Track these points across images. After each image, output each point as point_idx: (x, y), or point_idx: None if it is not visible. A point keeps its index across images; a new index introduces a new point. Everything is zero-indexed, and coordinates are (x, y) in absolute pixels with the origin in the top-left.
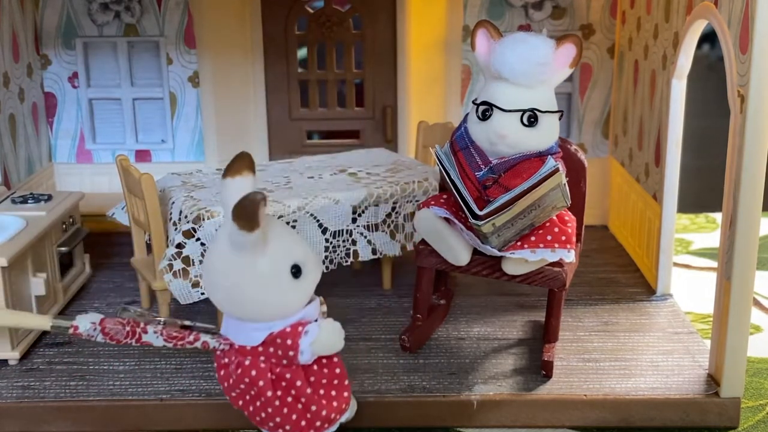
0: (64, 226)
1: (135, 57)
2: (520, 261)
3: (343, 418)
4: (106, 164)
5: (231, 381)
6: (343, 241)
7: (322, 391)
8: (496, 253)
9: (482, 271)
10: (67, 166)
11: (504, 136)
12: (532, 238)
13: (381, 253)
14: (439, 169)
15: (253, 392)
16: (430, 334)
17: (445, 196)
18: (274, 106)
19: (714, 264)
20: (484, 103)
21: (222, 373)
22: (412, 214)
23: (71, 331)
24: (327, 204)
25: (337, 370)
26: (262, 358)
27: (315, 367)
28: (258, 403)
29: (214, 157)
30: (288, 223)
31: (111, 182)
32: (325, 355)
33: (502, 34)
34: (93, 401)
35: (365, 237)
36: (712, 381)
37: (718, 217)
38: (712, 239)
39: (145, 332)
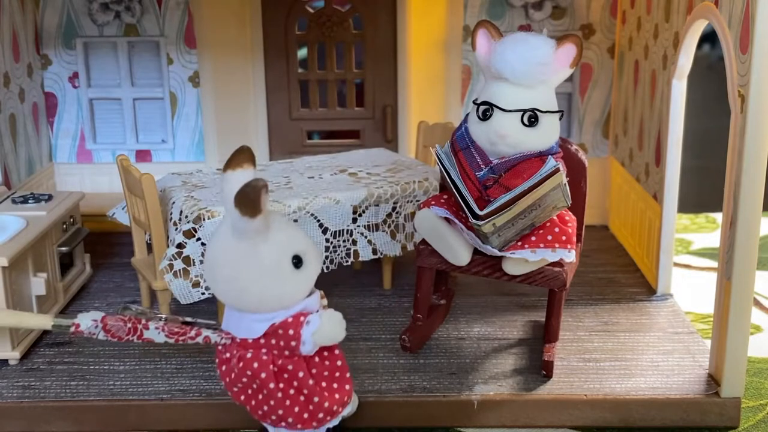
0: (64, 226)
1: (135, 57)
2: (521, 261)
3: (346, 411)
4: (107, 164)
5: (233, 375)
6: (344, 241)
7: (324, 383)
8: (496, 253)
9: (482, 271)
10: (67, 166)
11: (504, 136)
12: (533, 238)
13: (381, 253)
14: (440, 168)
15: (255, 385)
16: (430, 334)
17: (445, 196)
18: (274, 106)
19: (714, 264)
20: (484, 103)
21: (224, 368)
22: (413, 214)
23: (73, 329)
24: (327, 204)
25: (339, 362)
26: (264, 350)
27: (316, 359)
28: (260, 397)
29: (215, 157)
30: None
31: (111, 182)
32: (327, 347)
33: (502, 34)
34: (93, 401)
35: (366, 237)
36: (713, 381)
37: (718, 217)
38: (713, 239)
39: (147, 329)
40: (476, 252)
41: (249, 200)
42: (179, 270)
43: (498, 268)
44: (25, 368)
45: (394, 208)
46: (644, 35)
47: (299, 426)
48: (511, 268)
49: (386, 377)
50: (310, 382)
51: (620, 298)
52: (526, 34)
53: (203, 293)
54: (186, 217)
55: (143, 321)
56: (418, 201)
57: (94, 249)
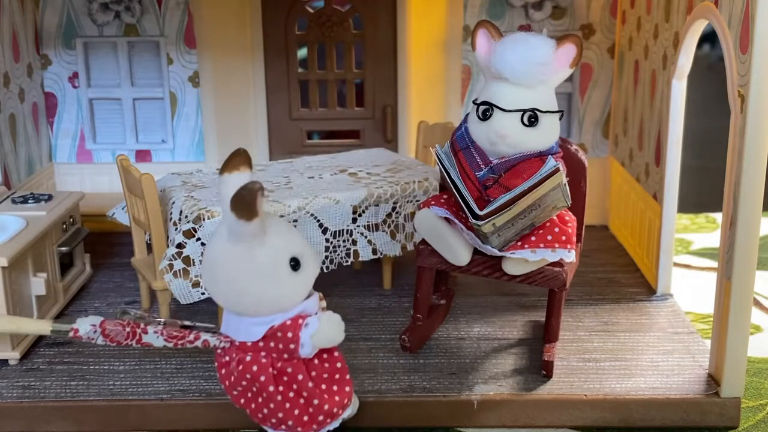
0: (64, 226)
1: (135, 57)
2: (521, 261)
3: (346, 414)
4: (107, 164)
5: (232, 379)
6: (344, 241)
7: (323, 386)
8: (496, 253)
9: (482, 271)
10: (67, 166)
11: (504, 136)
12: (533, 238)
13: (381, 253)
14: (440, 168)
15: (254, 389)
16: (430, 334)
17: (445, 196)
18: (274, 106)
19: (714, 264)
20: (484, 103)
21: (223, 372)
22: (413, 214)
23: (71, 334)
24: (327, 204)
25: (338, 365)
26: (263, 353)
27: (316, 361)
28: (260, 400)
29: (214, 157)
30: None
31: (111, 182)
32: (326, 349)
33: (502, 34)
34: (93, 401)
35: (365, 237)
36: (713, 381)
37: (718, 217)
38: (713, 239)
39: (146, 333)
40: (476, 252)
41: (245, 203)
42: (179, 270)
43: (498, 268)
44: (25, 368)
45: (394, 208)
46: (644, 35)
47: (299, 429)
48: (511, 268)
49: (386, 377)
50: (310, 384)
51: (620, 298)
52: (526, 34)
53: (203, 293)
54: (186, 217)
55: (142, 325)
56: (418, 201)
57: (94, 249)
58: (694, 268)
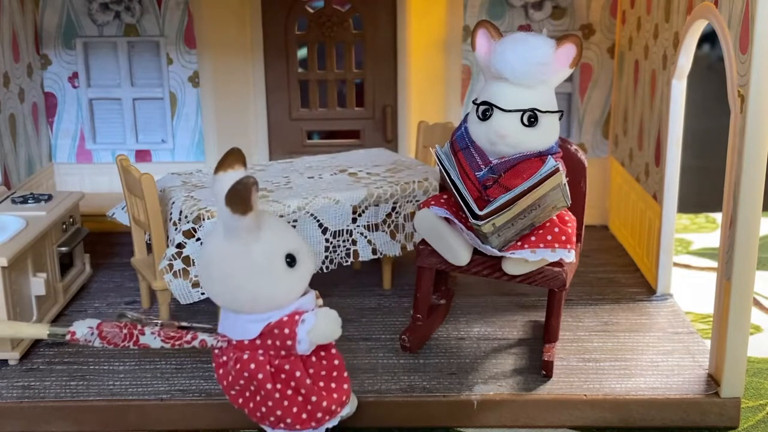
0: (64, 226)
1: (135, 57)
2: (521, 261)
3: (344, 412)
4: (106, 164)
5: (230, 378)
6: (344, 241)
7: (321, 383)
8: (496, 253)
9: (482, 271)
10: (67, 166)
11: (504, 136)
12: (533, 238)
13: (381, 253)
14: (440, 169)
15: (252, 387)
16: (430, 334)
17: (445, 196)
18: (274, 106)
19: (714, 264)
20: (484, 103)
21: (221, 371)
22: (413, 214)
23: (68, 337)
24: (327, 204)
25: (336, 362)
26: (260, 351)
27: (313, 358)
28: (258, 398)
29: (214, 157)
30: (288, 223)
31: (111, 182)
32: (323, 347)
33: (502, 34)
34: (93, 401)
35: (365, 237)
36: (712, 381)
37: (718, 217)
38: (712, 239)
39: (143, 334)
40: (476, 252)
41: (240, 197)
42: (179, 270)
43: (498, 268)
44: (25, 368)
45: (393, 208)
46: (644, 35)
47: (298, 426)
48: (510, 268)
49: (386, 377)
50: (308, 381)
51: (620, 298)
52: (526, 34)
53: (203, 293)
54: (186, 217)
55: (139, 327)
56: (417, 201)
57: (94, 249)
58: (694, 268)
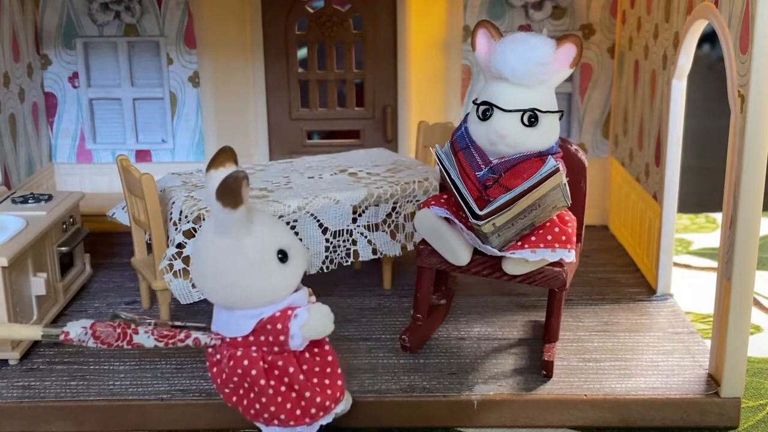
0: (64, 226)
1: (135, 57)
2: (521, 261)
3: (339, 409)
4: (107, 164)
5: (224, 376)
6: (344, 241)
7: (315, 379)
8: (496, 253)
9: (482, 271)
10: (67, 166)
11: (504, 136)
12: (533, 238)
13: (381, 253)
14: (440, 168)
15: (246, 384)
16: (430, 334)
17: (445, 196)
18: (274, 106)
19: (714, 264)
20: (484, 103)
21: (214, 370)
22: (413, 214)
23: (62, 337)
24: (327, 204)
25: (329, 358)
26: (253, 348)
27: (307, 355)
28: (252, 395)
29: None
30: (288, 223)
31: (111, 182)
32: (317, 343)
33: (502, 34)
34: (93, 401)
35: (365, 237)
36: (712, 381)
37: (718, 217)
38: (712, 239)
39: (136, 333)
40: (476, 252)
41: (230, 191)
42: (179, 270)
43: (498, 268)
44: (25, 368)
45: (394, 208)
46: (644, 35)
47: (292, 423)
48: (511, 268)
49: (386, 377)
50: (301, 377)
51: (620, 298)
52: (526, 34)
53: None
54: (186, 217)
55: (132, 326)
56: (418, 201)
57: (94, 249)
58: (694, 268)
